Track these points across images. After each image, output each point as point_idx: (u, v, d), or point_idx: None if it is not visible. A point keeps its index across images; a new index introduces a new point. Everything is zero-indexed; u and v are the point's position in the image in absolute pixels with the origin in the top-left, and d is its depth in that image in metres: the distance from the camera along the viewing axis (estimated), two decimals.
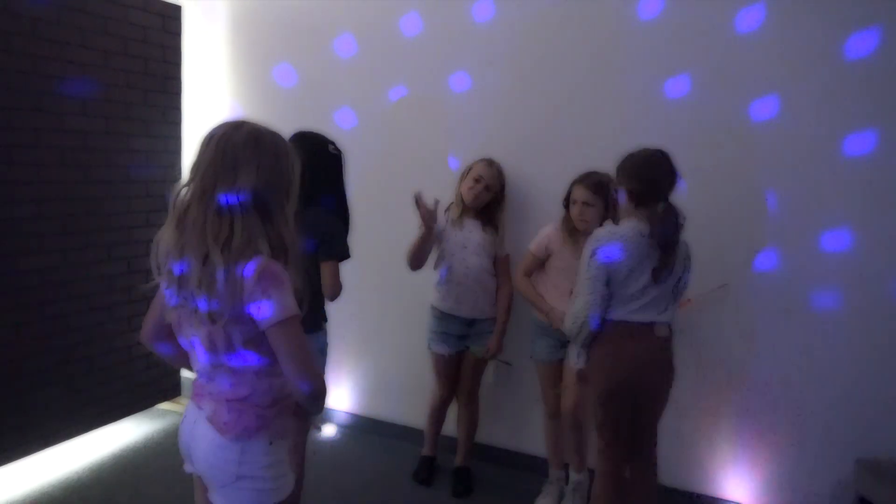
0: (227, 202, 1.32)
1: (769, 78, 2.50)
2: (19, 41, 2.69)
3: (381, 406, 3.42)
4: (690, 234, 2.23)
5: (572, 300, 2.19)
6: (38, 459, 2.95)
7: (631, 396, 2.16)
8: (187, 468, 1.57)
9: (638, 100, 2.71)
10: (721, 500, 2.71)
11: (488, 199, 2.76)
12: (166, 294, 1.42)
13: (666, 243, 2.09)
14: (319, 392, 1.35)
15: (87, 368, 3.12)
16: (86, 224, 3.03)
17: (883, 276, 2.41)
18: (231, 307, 1.32)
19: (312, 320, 2.22)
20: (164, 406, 3.61)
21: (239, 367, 1.40)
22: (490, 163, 2.75)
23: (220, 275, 1.30)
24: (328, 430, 3.44)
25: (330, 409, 3.50)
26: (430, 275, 2.89)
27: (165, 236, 1.38)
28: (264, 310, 1.29)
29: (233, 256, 1.31)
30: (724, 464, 2.71)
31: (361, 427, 3.45)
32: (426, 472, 2.98)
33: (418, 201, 2.57)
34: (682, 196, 2.27)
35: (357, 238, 2.62)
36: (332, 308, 2.37)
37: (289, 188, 1.42)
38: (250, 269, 1.30)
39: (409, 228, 3.08)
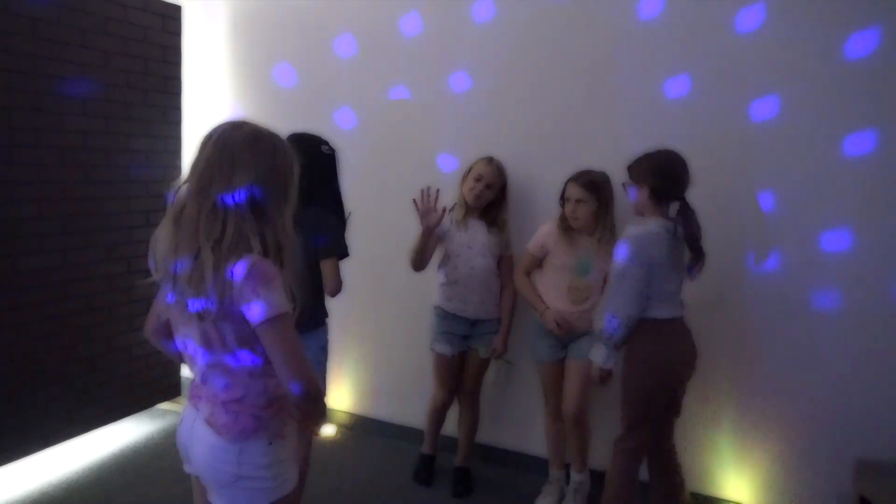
0: (223, 200, 1.33)
1: (769, 78, 2.50)
2: (19, 41, 2.69)
3: (381, 406, 3.42)
4: None
5: (608, 302, 2.21)
6: (38, 459, 2.95)
7: (672, 388, 2.29)
8: (187, 469, 1.58)
9: (638, 99, 2.71)
10: (721, 500, 2.71)
11: (490, 197, 2.75)
12: (165, 292, 1.43)
13: (695, 239, 2.20)
14: (310, 393, 1.32)
15: (87, 368, 3.12)
16: (86, 224, 3.03)
17: (883, 276, 2.41)
18: (221, 305, 1.32)
19: (313, 317, 2.30)
20: (164, 406, 3.61)
21: (234, 367, 1.40)
22: (489, 160, 2.75)
23: (210, 272, 1.30)
24: (328, 431, 3.44)
25: (330, 409, 3.50)
26: (430, 274, 2.89)
27: (162, 234, 1.39)
28: (254, 307, 1.30)
29: (223, 254, 1.31)
30: (724, 464, 2.71)
31: (361, 427, 3.45)
32: (426, 472, 2.97)
33: (416, 202, 2.55)
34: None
35: (357, 237, 2.62)
36: (331, 307, 2.38)
37: (287, 189, 1.42)
38: (240, 266, 1.30)
39: (410, 228, 3.08)
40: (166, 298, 1.43)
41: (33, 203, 2.80)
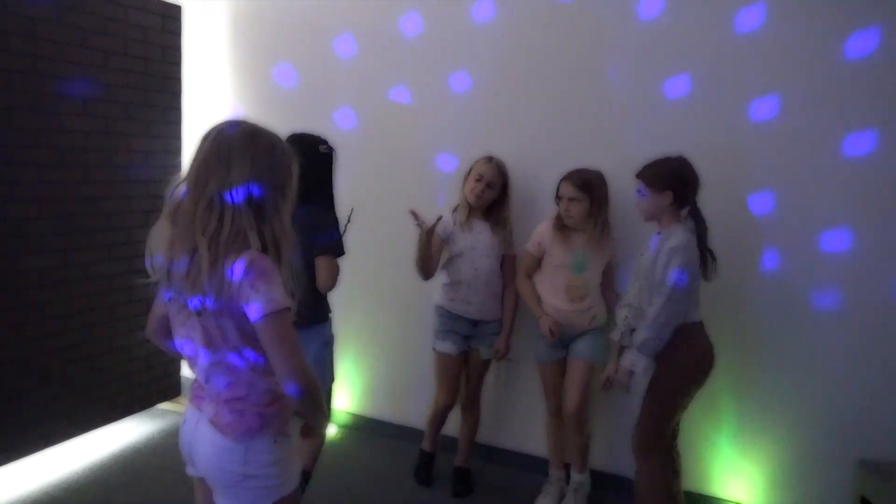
0: (220, 196, 1.33)
1: (769, 78, 2.50)
2: (19, 41, 2.69)
3: (381, 406, 3.42)
4: None
5: (656, 312, 2.19)
6: (38, 459, 2.95)
7: (697, 388, 2.33)
8: (189, 471, 1.57)
9: (638, 99, 2.71)
10: (721, 500, 2.71)
11: (493, 196, 2.74)
12: (162, 290, 1.43)
13: (704, 241, 2.27)
14: (307, 390, 1.31)
15: (87, 368, 3.12)
16: (86, 224, 3.03)
17: (883, 276, 2.41)
18: (220, 301, 1.32)
19: (315, 313, 2.38)
20: (164, 406, 3.62)
21: (237, 365, 1.40)
22: (489, 160, 2.74)
23: (207, 268, 1.30)
24: (328, 431, 3.43)
25: (335, 409, 3.50)
26: None
27: (158, 232, 1.39)
28: (253, 303, 1.29)
29: (221, 250, 1.31)
30: (724, 464, 2.71)
31: (361, 427, 3.45)
32: (426, 471, 2.97)
33: (415, 214, 2.56)
34: None
35: (357, 237, 2.63)
36: (332, 306, 2.39)
37: (284, 187, 1.41)
38: (239, 263, 1.30)
39: (410, 228, 3.08)
40: (165, 296, 1.43)
41: (33, 203, 2.80)
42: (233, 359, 1.39)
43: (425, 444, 3.01)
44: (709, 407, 2.70)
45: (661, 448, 2.35)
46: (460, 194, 2.79)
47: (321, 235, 2.29)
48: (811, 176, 2.47)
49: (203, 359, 1.42)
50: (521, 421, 3.10)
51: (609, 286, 2.73)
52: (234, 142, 1.35)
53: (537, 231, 2.73)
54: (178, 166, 3.47)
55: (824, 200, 2.47)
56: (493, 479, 3.03)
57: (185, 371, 3.70)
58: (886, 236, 2.40)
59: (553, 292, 2.67)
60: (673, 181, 2.25)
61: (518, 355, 2.94)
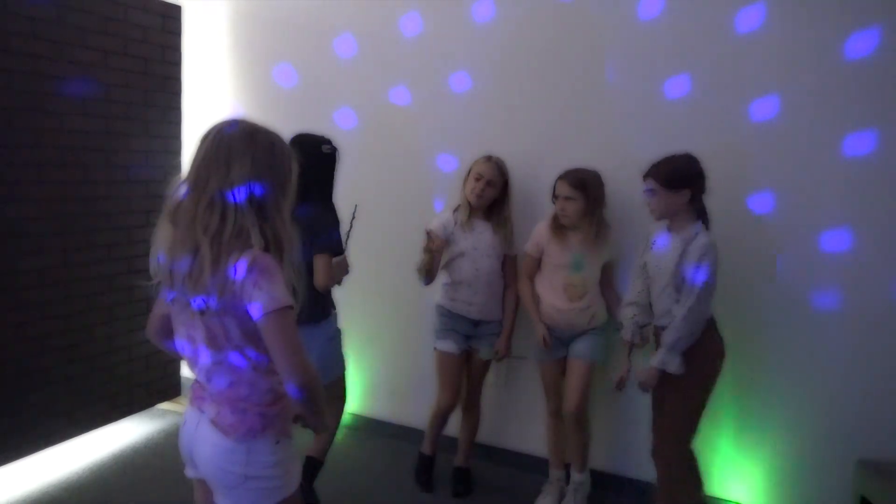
0: (221, 195, 1.33)
1: (769, 78, 2.50)
2: (19, 41, 2.69)
3: (381, 406, 3.42)
4: None
5: (685, 308, 2.21)
6: (38, 459, 2.95)
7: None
8: (189, 473, 1.57)
9: (638, 99, 2.71)
10: (721, 500, 2.71)
11: (493, 195, 2.73)
12: (165, 291, 1.43)
13: None
14: (307, 387, 1.32)
15: (87, 368, 3.12)
16: (86, 224, 3.04)
17: (883, 276, 2.41)
18: (223, 300, 1.32)
19: (316, 310, 2.43)
20: (164, 406, 3.62)
21: (239, 365, 1.39)
22: (488, 158, 2.74)
23: (209, 267, 1.30)
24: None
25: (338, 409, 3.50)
26: None
27: (159, 233, 1.39)
28: (256, 301, 1.29)
29: (224, 248, 1.31)
30: (724, 464, 2.71)
31: (361, 427, 3.45)
32: (426, 474, 2.94)
33: (430, 233, 2.61)
34: None
35: (357, 237, 2.63)
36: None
37: (284, 184, 1.42)
38: (241, 261, 1.30)
39: (409, 228, 3.08)
40: (167, 297, 1.43)
41: (33, 203, 2.80)
42: (235, 358, 1.39)
43: (425, 448, 2.98)
44: (709, 407, 2.69)
45: (691, 447, 2.36)
46: (461, 195, 2.79)
47: (320, 235, 2.33)
48: (811, 176, 2.47)
49: (205, 358, 1.42)
50: (521, 421, 3.10)
51: (609, 285, 2.73)
52: (233, 141, 1.35)
53: (535, 231, 2.73)
54: (178, 166, 3.48)
55: (824, 200, 2.47)
56: (493, 479, 3.03)
57: (185, 371, 3.70)
58: (886, 236, 2.40)
59: (552, 291, 2.67)
60: (690, 179, 2.26)
61: (527, 352, 2.92)
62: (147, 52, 3.27)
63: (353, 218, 2.48)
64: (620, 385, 2.45)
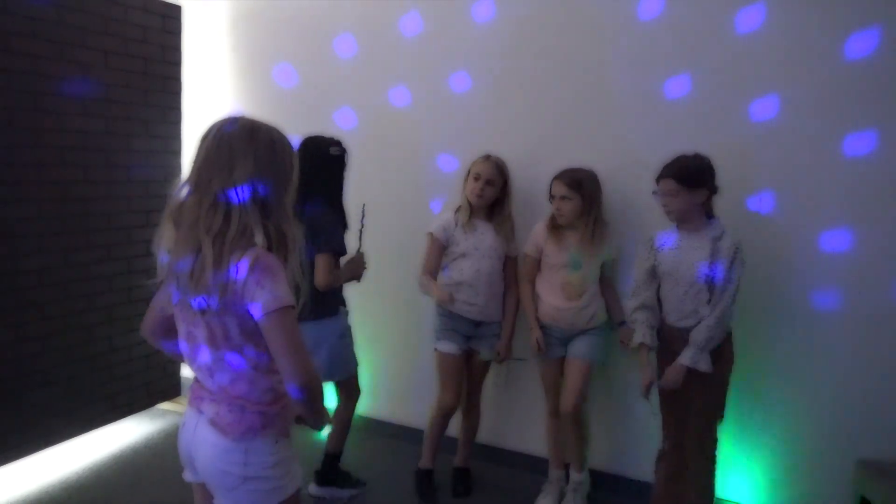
0: (225, 194, 1.32)
1: (769, 78, 2.50)
2: (19, 41, 2.69)
3: (381, 406, 3.42)
4: None
5: (720, 309, 2.25)
6: (38, 459, 2.95)
7: None
8: (187, 476, 1.55)
9: (638, 100, 2.71)
10: (721, 500, 2.71)
11: (494, 195, 2.73)
12: (170, 291, 1.42)
13: None
14: (308, 387, 1.32)
15: (87, 368, 3.12)
16: (86, 224, 3.04)
17: (883, 276, 2.41)
18: (225, 299, 1.31)
19: (325, 307, 2.52)
20: (164, 406, 3.62)
21: (239, 364, 1.39)
22: (486, 158, 2.73)
23: (211, 267, 1.30)
24: (328, 431, 3.43)
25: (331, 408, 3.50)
26: None
27: (164, 234, 1.38)
28: (258, 300, 1.29)
29: (227, 248, 1.31)
30: (724, 463, 2.71)
31: (361, 427, 3.45)
32: (428, 487, 2.84)
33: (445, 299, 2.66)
34: None
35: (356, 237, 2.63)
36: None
37: (287, 180, 1.41)
38: (244, 260, 1.30)
39: (409, 228, 3.09)
40: (171, 298, 1.42)
41: (33, 203, 2.80)
42: (235, 357, 1.39)
43: (424, 461, 2.88)
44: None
45: (716, 443, 2.41)
46: (461, 196, 2.78)
47: (322, 234, 2.41)
48: (811, 176, 2.47)
49: (205, 357, 1.41)
50: (521, 421, 3.10)
51: (609, 284, 2.73)
52: (234, 140, 1.35)
53: (533, 232, 2.74)
54: (178, 166, 3.48)
55: (824, 200, 2.47)
56: (493, 479, 3.03)
57: (186, 371, 3.70)
58: (886, 236, 2.40)
59: (550, 291, 2.67)
60: (708, 178, 2.29)
61: (526, 353, 2.92)
62: (147, 52, 3.27)
63: (363, 216, 2.58)
64: (649, 391, 2.42)
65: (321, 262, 2.40)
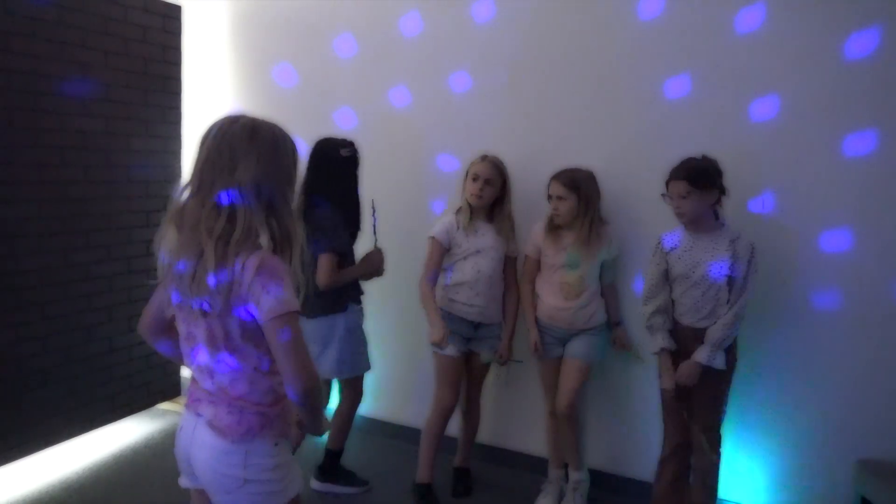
0: (228, 196, 1.30)
1: (769, 78, 2.50)
2: (19, 41, 2.69)
3: (381, 406, 3.42)
4: None
5: (737, 307, 2.30)
6: (38, 459, 2.95)
7: None
8: (183, 483, 1.52)
9: (638, 100, 2.71)
10: (721, 500, 2.71)
11: (493, 194, 2.72)
12: (170, 293, 1.40)
13: None
14: (309, 393, 1.31)
15: (87, 368, 3.12)
16: (86, 224, 3.03)
17: (883, 277, 2.41)
18: (228, 301, 1.30)
19: (333, 303, 2.58)
20: (164, 406, 3.62)
21: (240, 366, 1.38)
22: (483, 158, 2.72)
23: (214, 269, 1.28)
24: (328, 431, 3.43)
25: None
26: None
27: (166, 236, 1.37)
28: (263, 304, 1.28)
29: (231, 250, 1.29)
30: (724, 463, 2.70)
31: (361, 427, 3.45)
32: (429, 498, 2.77)
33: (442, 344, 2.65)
34: None
35: (357, 237, 2.63)
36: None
37: (290, 177, 1.40)
38: (249, 263, 1.29)
39: (409, 228, 3.09)
40: (172, 299, 1.40)
41: (33, 203, 2.80)
42: (235, 358, 1.37)
43: (422, 475, 2.78)
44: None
45: (720, 441, 2.44)
46: (461, 198, 2.77)
47: (325, 234, 2.47)
48: (811, 176, 2.47)
49: (205, 358, 1.40)
50: (521, 421, 3.10)
51: (610, 285, 2.73)
52: (235, 140, 1.32)
53: (532, 232, 2.74)
54: (178, 166, 3.47)
55: (824, 200, 2.47)
56: (493, 479, 3.03)
57: (185, 371, 3.70)
58: (886, 236, 2.40)
59: (549, 291, 2.68)
60: (718, 179, 2.31)
61: (525, 356, 2.92)
62: (147, 52, 3.27)
63: (374, 211, 2.67)
64: (674, 394, 2.42)
65: (322, 261, 2.45)
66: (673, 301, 2.44)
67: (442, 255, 2.74)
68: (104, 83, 3.07)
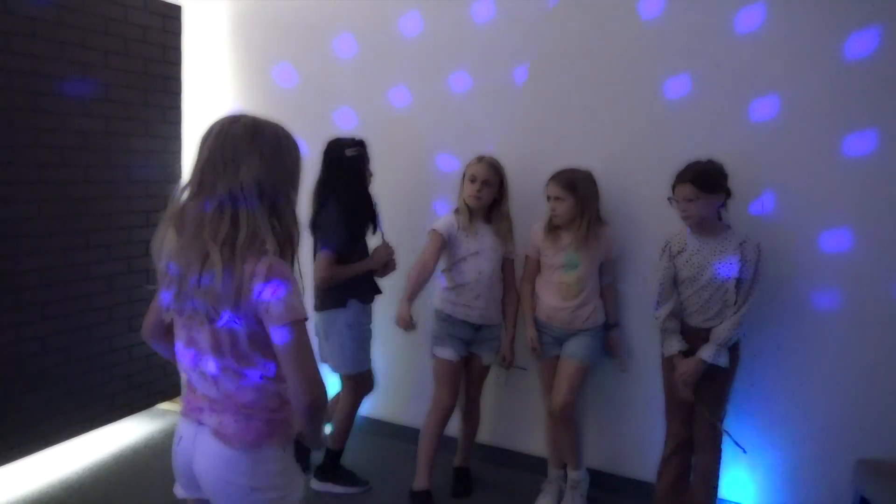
0: (232, 197, 1.26)
1: (769, 78, 2.50)
2: (19, 41, 2.69)
3: (381, 406, 3.42)
4: None
5: (744, 308, 2.32)
6: (38, 459, 2.95)
7: None
8: (178, 492, 1.49)
9: (638, 100, 2.71)
10: (721, 500, 2.71)
11: (491, 195, 2.71)
12: (164, 297, 1.36)
13: None
14: (315, 402, 1.28)
15: (87, 368, 3.12)
16: (86, 224, 3.03)
17: (883, 277, 2.41)
18: (235, 307, 1.26)
19: (332, 299, 2.64)
20: (164, 406, 3.62)
21: (246, 373, 1.34)
22: (480, 158, 2.72)
23: (221, 275, 1.24)
24: (327, 431, 3.43)
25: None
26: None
27: (165, 238, 1.33)
28: (272, 311, 1.25)
29: (237, 254, 1.25)
30: (724, 464, 2.70)
31: (361, 427, 3.44)
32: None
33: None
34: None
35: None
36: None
37: (294, 177, 1.37)
38: (259, 269, 1.25)
39: (409, 228, 3.09)
40: (170, 303, 1.36)
41: (33, 203, 2.80)
42: (242, 366, 1.34)
43: (420, 482, 2.74)
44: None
45: (721, 438, 2.47)
46: (459, 200, 2.76)
47: (323, 233, 2.57)
48: (811, 176, 2.47)
49: (211, 366, 1.36)
50: (521, 421, 3.10)
51: (609, 285, 2.73)
52: (237, 140, 1.28)
53: (531, 233, 2.74)
54: (178, 166, 3.48)
55: (824, 200, 2.47)
56: (493, 479, 3.03)
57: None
58: (886, 236, 2.40)
59: (548, 291, 2.69)
60: (723, 182, 2.32)
61: (528, 363, 2.91)
62: (147, 52, 3.27)
63: (376, 206, 2.73)
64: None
65: (319, 258, 2.55)
66: (682, 303, 2.44)
67: (440, 249, 2.71)
68: (104, 83, 3.07)
